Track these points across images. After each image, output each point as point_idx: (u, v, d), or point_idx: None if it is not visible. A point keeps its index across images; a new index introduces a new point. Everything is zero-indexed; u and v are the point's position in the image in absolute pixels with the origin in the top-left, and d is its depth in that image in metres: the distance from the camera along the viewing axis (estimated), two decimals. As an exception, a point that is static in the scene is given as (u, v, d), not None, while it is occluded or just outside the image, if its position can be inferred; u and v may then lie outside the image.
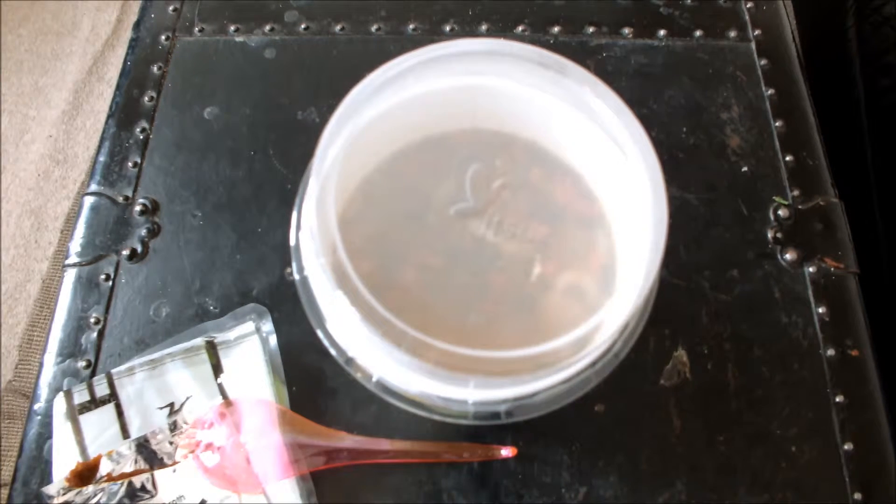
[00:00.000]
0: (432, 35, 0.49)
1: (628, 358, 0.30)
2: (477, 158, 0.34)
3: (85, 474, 0.35)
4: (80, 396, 0.37)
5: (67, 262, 0.42)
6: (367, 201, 0.34)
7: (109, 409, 0.36)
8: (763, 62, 0.48)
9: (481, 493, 0.36)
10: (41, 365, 0.39)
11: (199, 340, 0.38)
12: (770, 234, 0.42)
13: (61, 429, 0.36)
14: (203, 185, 0.44)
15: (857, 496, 0.36)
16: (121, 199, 0.44)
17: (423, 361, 0.26)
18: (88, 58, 1.10)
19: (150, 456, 0.35)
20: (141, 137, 0.46)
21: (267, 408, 0.36)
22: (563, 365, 0.27)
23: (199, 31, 0.50)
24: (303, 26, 0.50)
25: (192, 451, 0.35)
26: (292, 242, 0.32)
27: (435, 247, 0.33)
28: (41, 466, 0.37)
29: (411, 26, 0.50)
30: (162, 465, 0.35)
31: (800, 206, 0.43)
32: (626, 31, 0.49)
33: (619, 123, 0.30)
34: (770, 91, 0.47)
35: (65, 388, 0.38)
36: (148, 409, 0.36)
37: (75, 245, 0.42)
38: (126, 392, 0.37)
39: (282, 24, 0.50)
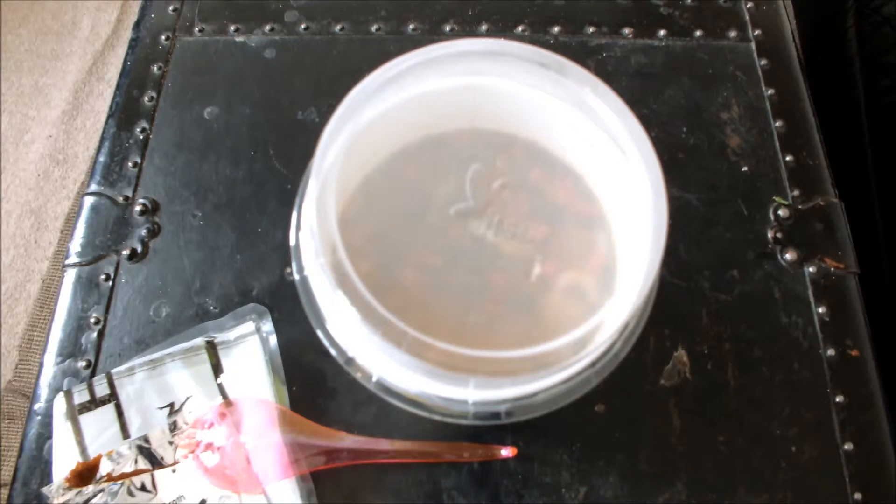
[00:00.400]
0: (432, 35, 0.49)
1: (628, 358, 0.30)
2: (477, 158, 0.34)
3: (85, 474, 0.35)
4: (80, 396, 0.37)
5: (67, 262, 0.42)
6: (367, 201, 0.34)
7: (109, 409, 0.36)
8: (763, 62, 0.48)
9: (481, 493, 0.36)
10: (41, 365, 0.39)
11: (199, 340, 0.38)
12: (770, 234, 0.42)
13: (61, 429, 0.36)
14: (203, 185, 0.44)
15: (857, 496, 0.36)
16: (121, 199, 0.44)
17: (423, 361, 0.26)
18: (88, 58, 1.10)
19: (150, 456, 0.35)
20: (141, 137, 0.46)
21: (267, 408, 0.36)
22: (563, 365, 0.27)
23: (199, 31, 0.50)
24: (303, 26, 0.50)
25: (192, 451, 0.35)
26: (292, 242, 0.32)
27: (435, 247, 0.33)
28: (41, 466, 0.37)
29: (411, 26, 0.50)
30: (162, 465, 0.35)
31: (800, 206, 0.43)
32: (626, 31, 0.49)
33: (619, 123, 0.30)
34: (770, 91, 0.47)
35: (65, 388, 0.38)
36: (148, 409, 0.36)
37: (75, 245, 0.42)
38: (126, 392, 0.37)
39: (282, 24, 0.50)
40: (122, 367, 0.38)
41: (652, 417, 0.38)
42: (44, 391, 0.39)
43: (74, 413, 0.36)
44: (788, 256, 0.42)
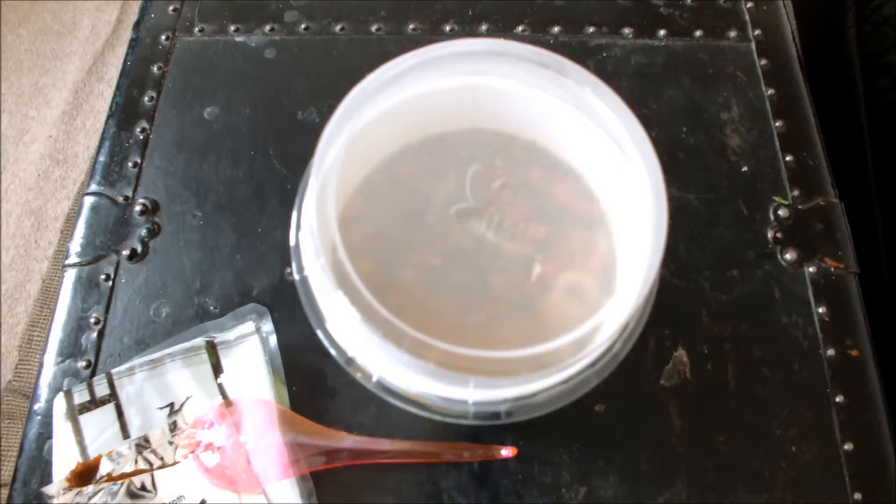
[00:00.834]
0: (432, 35, 0.49)
1: (628, 358, 0.30)
2: (477, 158, 0.34)
3: (85, 474, 0.35)
4: (80, 396, 0.37)
5: (67, 262, 0.42)
6: (367, 201, 0.34)
7: (109, 409, 0.36)
8: (763, 62, 0.48)
9: (481, 493, 0.36)
10: (41, 365, 0.39)
11: (199, 340, 0.38)
12: (770, 234, 0.42)
13: (61, 429, 0.36)
14: (203, 185, 0.44)
15: (857, 496, 0.36)
16: (121, 199, 0.44)
17: (423, 361, 0.26)
18: (88, 58, 1.10)
19: (150, 456, 0.35)
20: (141, 137, 0.46)
21: (267, 408, 0.36)
22: (563, 365, 0.27)
23: (199, 31, 0.50)
24: (303, 26, 0.50)
25: (192, 451, 0.35)
26: (292, 242, 0.32)
27: (435, 247, 0.33)
28: (41, 466, 0.37)
29: (411, 26, 0.50)
30: (162, 465, 0.35)
31: (800, 206, 0.43)
32: (626, 31, 0.49)
33: (619, 123, 0.30)
34: (770, 91, 0.47)
35: (65, 388, 0.38)
36: (148, 409, 0.36)
37: (75, 245, 0.42)
38: (126, 392, 0.37)
39: (282, 24, 0.50)
40: (122, 367, 0.38)
41: (652, 417, 0.38)
42: (44, 391, 0.39)
43: (74, 413, 0.36)
44: (788, 256, 0.42)
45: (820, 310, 0.40)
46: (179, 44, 0.49)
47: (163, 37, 0.49)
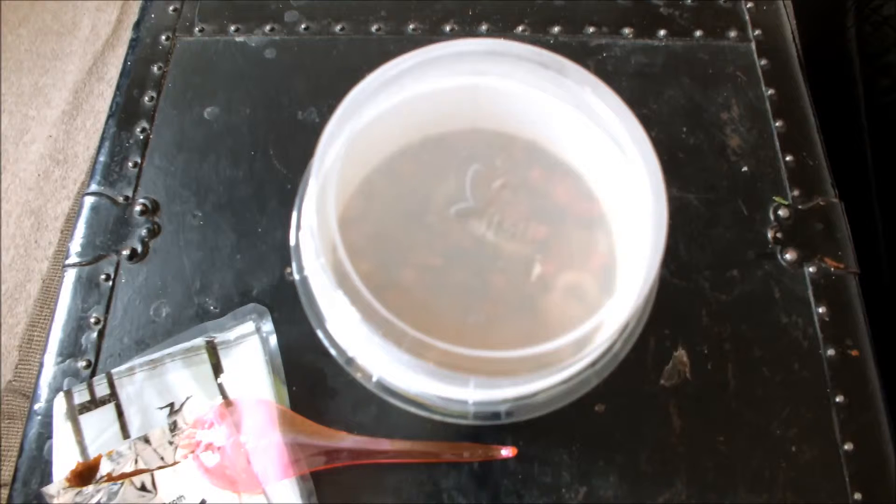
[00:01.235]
0: (432, 35, 0.49)
1: (628, 358, 0.30)
2: (477, 158, 0.34)
3: (85, 474, 0.35)
4: (80, 396, 0.37)
5: (67, 262, 0.42)
6: (367, 201, 0.34)
7: (109, 409, 0.36)
8: (763, 62, 0.48)
9: (481, 493, 0.36)
10: (41, 365, 0.39)
11: (199, 340, 0.38)
12: (770, 234, 0.42)
13: (61, 429, 0.36)
14: (203, 185, 0.44)
15: (857, 496, 0.36)
16: (121, 199, 0.44)
17: (423, 361, 0.26)
18: (88, 58, 1.10)
19: (150, 456, 0.35)
20: (141, 137, 0.46)
21: (267, 408, 0.36)
22: (563, 365, 0.27)
23: (199, 31, 0.50)
24: (303, 26, 0.50)
25: (192, 451, 0.35)
26: (292, 242, 0.32)
27: (435, 247, 0.33)
28: (41, 466, 0.37)
29: (411, 26, 0.50)
30: (162, 465, 0.35)
31: (800, 206, 0.43)
32: (626, 31, 0.49)
33: (619, 123, 0.30)
34: (770, 91, 0.47)
35: (65, 388, 0.38)
36: (148, 409, 0.36)
37: (75, 245, 0.42)
38: (126, 392, 0.37)
39: (282, 24, 0.50)
40: (122, 367, 0.38)
41: (652, 417, 0.38)
42: (44, 391, 0.39)
43: (74, 413, 0.36)
44: (788, 256, 0.42)
45: (820, 310, 0.40)
46: (179, 44, 0.49)
47: (163, 37, 0.49)
